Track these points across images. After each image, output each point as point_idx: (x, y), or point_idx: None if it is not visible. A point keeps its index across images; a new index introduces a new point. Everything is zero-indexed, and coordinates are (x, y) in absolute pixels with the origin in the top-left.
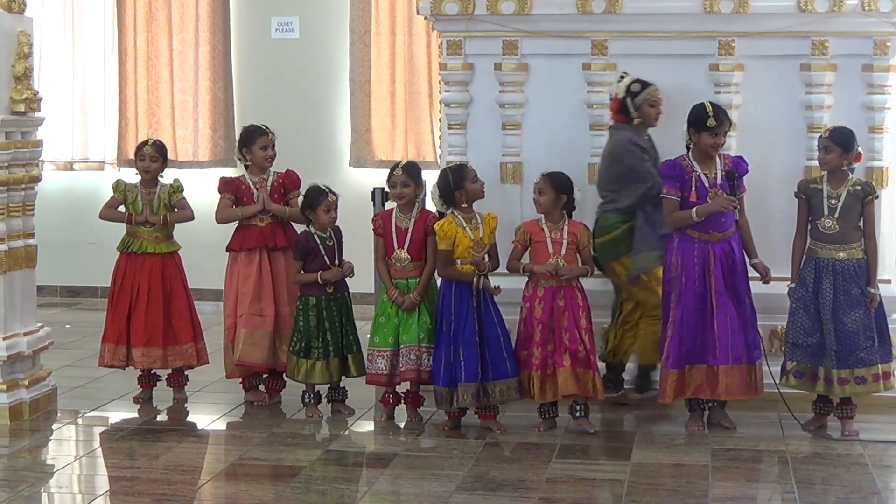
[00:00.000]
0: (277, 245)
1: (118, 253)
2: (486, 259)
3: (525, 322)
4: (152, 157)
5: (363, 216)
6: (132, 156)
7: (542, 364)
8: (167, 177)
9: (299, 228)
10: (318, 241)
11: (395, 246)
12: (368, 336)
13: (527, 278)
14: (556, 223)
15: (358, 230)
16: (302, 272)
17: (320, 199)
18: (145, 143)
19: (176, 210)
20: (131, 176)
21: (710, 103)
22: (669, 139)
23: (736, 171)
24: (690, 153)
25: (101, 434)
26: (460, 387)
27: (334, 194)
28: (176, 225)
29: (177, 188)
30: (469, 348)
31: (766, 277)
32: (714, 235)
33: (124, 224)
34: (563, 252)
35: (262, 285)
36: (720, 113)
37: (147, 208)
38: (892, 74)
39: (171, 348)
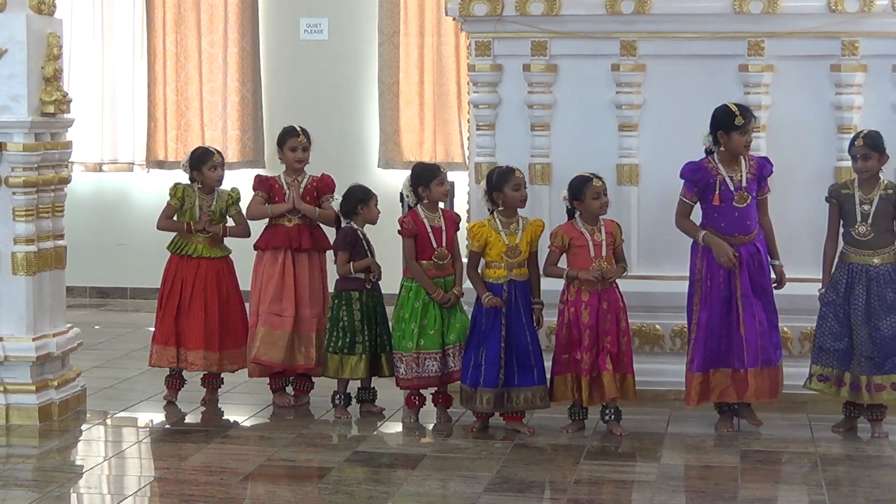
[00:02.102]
0: (303, 246)
1: (168, 253)
2: (526, 265)
3: (568, 326)
4: (222, 163)
5: (391, 217)
6: (161, 157)
7: (591, 369)
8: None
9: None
10: (362, 236)
11: (434, 245)
12: (396, 338)
13: (564, 282)
14: (594, 225)
15: (386, 231)
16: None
17: (371, 195)
18: (211, 151)
19: (233, 222)
20: (167, 178)
21: (737, 104)
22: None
23: (761, 173)
24: (716, 155)
25: (130, 435)
26: (479, 390)
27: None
28: None
29: (236, 199)
30: (492, 353)
31: (781, 283)
32: (739, 238)
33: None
34: (604, 254)
35: (284, 285)
36: (746, 111)
37: (206, 217)
38: None
39: (227, 352)
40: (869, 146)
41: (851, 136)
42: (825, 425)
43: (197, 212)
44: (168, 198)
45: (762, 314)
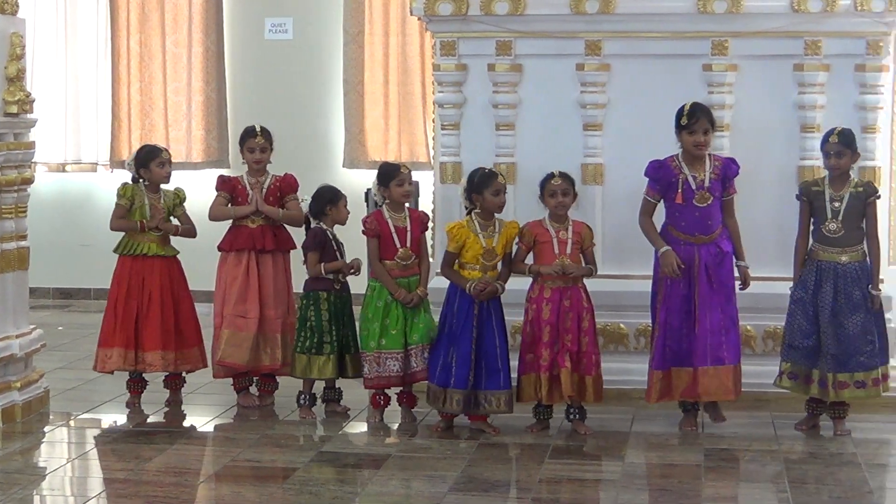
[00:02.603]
0: (266, 247)
1: (116, 255)
2: (499, 266)
3: (532, 324)
4: (170, 161)
5: (357, 217)
6: (125, 157)
7: (550, 366)
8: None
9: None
10: (331, 237)
11: (398, 245)
12: (363, 338)
13: (531, 280)
14: (561, 223)
15: (353, 231)
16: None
17: (340, 196)
18: (159, 149)
19: (181, 221)
20: (127, 177)
21: (692, 103)
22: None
23: (726, 174)
24: (680, 154)
25: (93, 436)
26: (449, 391)
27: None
28: None
29: (182, 199)
30: (463, 354)
31: (745, 283)
32: (700, 238)
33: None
34: (568, 252)
35: (249, 286)
36: (696, 111)
37: (160, 215)
38: (885, 74)
39: (181, 352)
40: (843, 143)
41: (814, 135)
42: (788, 423)
43: (147, 210)
44: (117, 199)
45: (717, 314)
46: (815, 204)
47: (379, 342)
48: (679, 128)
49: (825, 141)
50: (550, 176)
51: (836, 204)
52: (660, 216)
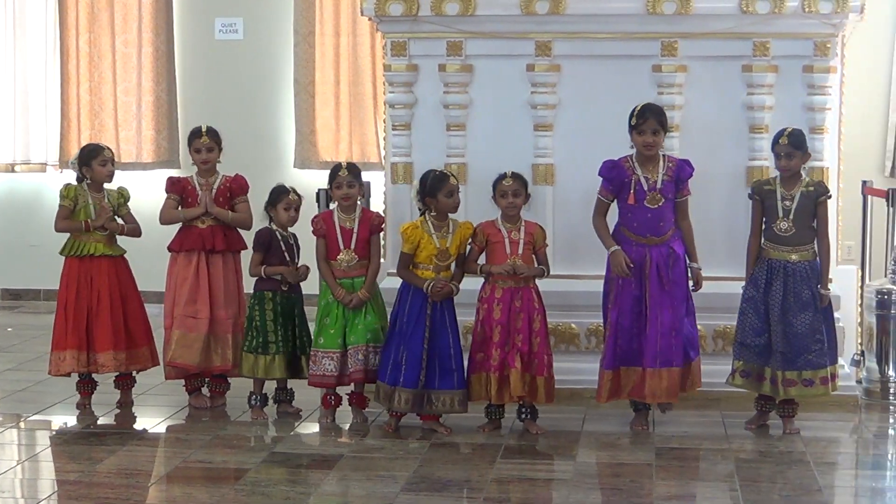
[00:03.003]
0: (216, 248)
1: (62, 257)
2: (453, 267)
3: (483, 323)
4: (112, 160)
5: (308, 217)
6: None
7: (500, 366)
8: (121, 181)
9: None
10: (280, 238)
11: (341, 246)
12: (313, 337)
13: (483, 280)
14: (513, 224)
15: (303, 231)
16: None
17: (281, 197)
18: (101, 147)
19: (125, 220)
20: (72, 178)
21: (644, 104)
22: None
23: (679, 176)
24: (634, 155)
25: (44, 438)
26: (398, 390)
27: (298, 196)
28: None
29: (126, 198)
30: (413, 355)
31: (697, 286)
32: (651, 239)
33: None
34: (520, 252)
35: (199, 287)
36: (646, 111)
37: (105, 214)
38: (833, 75)
39: (130, 352)
40: (793, 145)
41: (763, 135)
42: (739, 422)
43: (92, 210)
44: (60, 200)
45: (667, 316)
46: (766, 203)
47: (317, 341)
48: (630, 128)
49: (776, 142)
50: (502, 176)
51: (788, 203)
52: (614, 216)
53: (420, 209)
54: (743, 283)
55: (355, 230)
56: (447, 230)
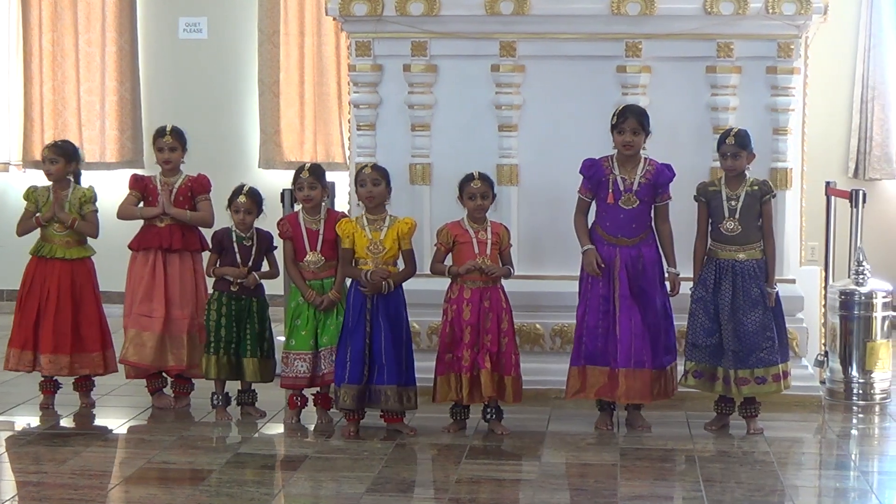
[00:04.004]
0: (174, 247)
1: (30, 256)
2: (391, 264)
3: (452, 324)
4: (50, 159)
5: (272, 218)
6: (38, 157)
7: (471, 367)
8: (84, 181)
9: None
10: (234, 239)
11: (308, 248)
12: (284, 339)
13: (449, 280)
14: (480, 224)
15: (268, 231)
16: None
17: (233, 199)
18: (47, 146)
19: (84, 219)
20: (44, 180)
21: (627, 104)
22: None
23: (658, 180)
24: (615, 155)
25: (6, 439)
26: (343, 387)
27: (251, 199)
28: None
29: (89, 198)
30: (355, 351)
31: (674, 290)
32: (622, 240)
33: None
34: (487, 252)
35: (154, 286)
36: (626, 111)
37: (56, 206)
38: (796, 77)
39: (79, 356)
40: (738, 144)
41: None
42: (703, 423)
43: (50, 207)
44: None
45: (638, 317)
46: (712, 203)
47: (288, 342)
48: (611, 127)
49: (722, 142)
50: (470, 178)
51: (733, 203)
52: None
53: (360, 208)
54: (690, 285)
55: (321, 231)
56: (381, 224)
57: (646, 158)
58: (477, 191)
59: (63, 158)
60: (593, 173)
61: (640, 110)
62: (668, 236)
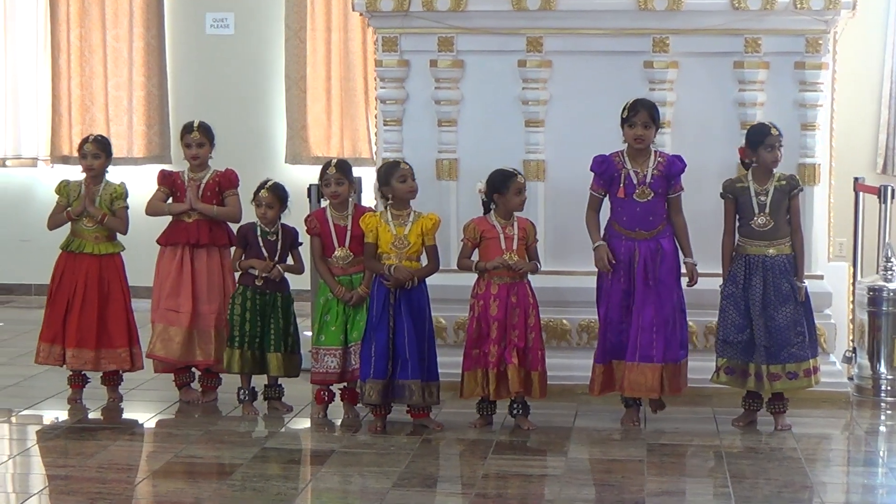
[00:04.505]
0: (201, 242)
1: (59, 251)
2: (419, 259)
3: (479, 320)
4: (94, 153)
5: (299, 213)
6: (66, 152)
7: (498, 362)
8: (111, 176)
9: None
10: (259, 234)
11: (336, 244)
12: (312, 335)
13: (475, 276)
14: (507, 220)
15: (294, 226)
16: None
17: (256, 193)
18: (87, 139)
19: (115, 215)
20: (73, 173)
21: (638, 98)
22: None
23: (670, 171)
24: (625, 150)
25: (35, 432)
26: (368, 382)
27: (274, 193)
28: None
29: (120, 194)
30: (380, 345)
31: (692, 281)
32: (640, 234)
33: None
34: (514, 248)
35: (182, 281)
36: (637, 104)
37: (87, 200)
38: (824, 72)
39: (105, 351)
40: (781, 135)
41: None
42: (730, 419)
43: (81, 203)
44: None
45: (650, 311)
46: (740, 200)
47: (318, 338)
48: (621, 121)
49: (764, 134)
50: (513, 174)
51: (762, 198)
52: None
53: (383, 204)
54: (720, 281)
55: (349, 227)
56: (406, 219)
57: (656, 151)
58: (522, 185)
59: (104, 154)
60: (604, 169)
61: (651, 104)
62: (683, 228)
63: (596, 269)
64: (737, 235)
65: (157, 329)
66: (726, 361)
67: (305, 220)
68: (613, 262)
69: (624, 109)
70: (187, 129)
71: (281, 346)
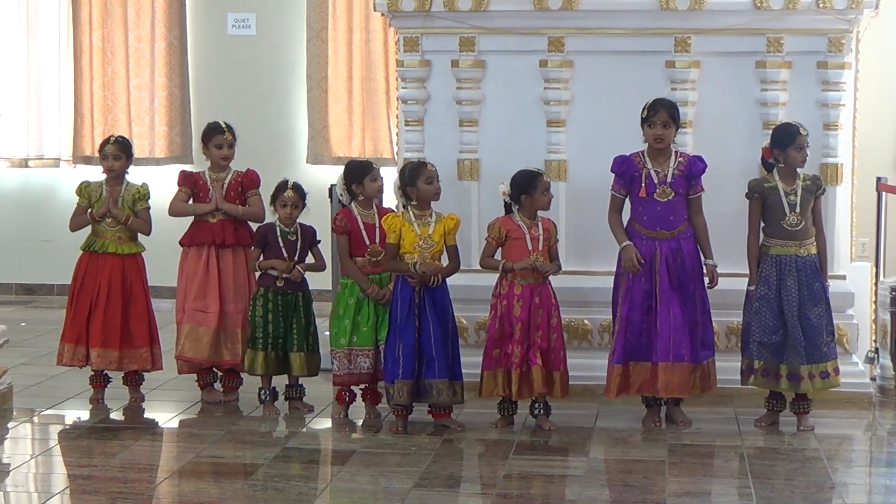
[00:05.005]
0: (226, 242)
1: (81, 251)
2: (444, 261)
3: (502, 320)
4: (114, 154)
5: (320, 213)
6: (88, 153)
7: (521, 363)
8: (134, 177)
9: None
10: (279, 234)
11: (367, 242)
12: (332, 335)
13: (496, 275)
14: (532, 220)
15: (315, 226)
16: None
17: (277, 194)
18: (107, 140)
19: (137, 216)
20: (95, 174)
21: (658, 98)
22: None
23: (691, 171)
24: (645, 150)
25: (57, 433)
26: (396, 383)
27: (297, 193)
28: None
29: (143, 195)
30: (407, 346)
31: (712, 282)
32: (661, 233)
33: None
34: (540, 248)
35: (208, 282)
36: (657, 104)
37: (110, 202)
38: (847, 72)
39: (127, 351)
40: (807, 135)
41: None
42: (752, 419)
43: (104, 203)
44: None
45: (677, 310)
46: (769, 199)
47: (350, 339)
48: (641, 121)
49: (794, 134)
50: (538, 173)
51: (792, 198)
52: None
53: (403, 204)
54: (746, 281)
55: (377, 225)
56: (429, 219)
57: (676, 151)
58: (548, 185)
59: (125, 155)
60: (625, 170)
61: (671, 103)
62: (703, 228)
63: (615, 269)
64: (761, 236)
65: (185, 330)
66: (763, 364)
67: (334, 219)
68: (642, 261)
69: (644, 109)
70: (216, 130)
71: (304, 345)
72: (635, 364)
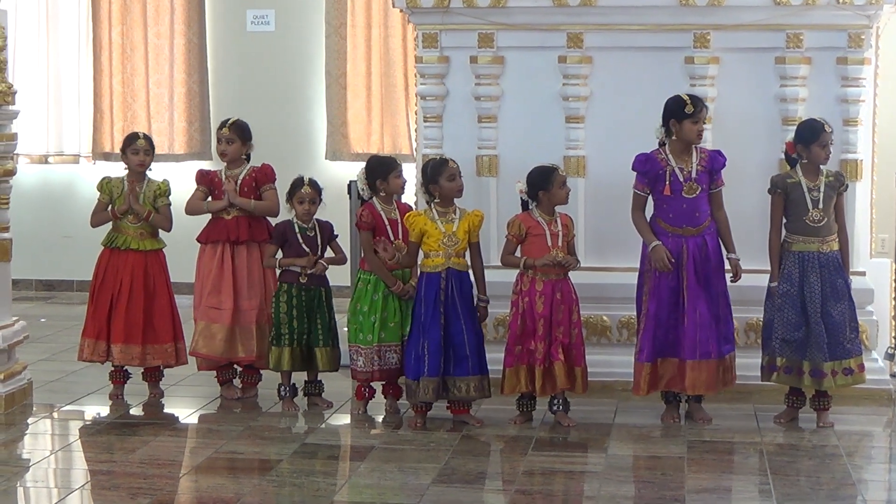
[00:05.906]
0: (241, 238)
1: (101, 247)
2: (464, 255)
3: (524, 316)
4: (146, 149)
5: (338, 209)
6: (107, 149)
7: (544, 359)
8: (153, 173)
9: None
10: (297, 230)
11: (392, 237)
12: (352, 330)
13: (516, 272)
14: (551, 216)
15: (334, 222)
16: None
17: (294, 191)
18: (136, 136)
19: (158, 212)
20: (115, 170)
21: (691, 94)
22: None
23: (713, 166)
24: (668, 147)
25: (78, 428)
26: (422, 380)
27: (314, 188)
28: None
29: (164, 191)
30: (433, 343)
31: (736, 277)
32: (687, 230)
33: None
34: (559, 244)
35: (223, 278)
36: (697, 100)
37: (132, 197)
38: (867, 67)
39: (150, 346)
40: (831, 133)
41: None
42: (771, 416)
43: (125, 199)
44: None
45: (704, 306)
46: (792, 195)
47: (378, 335)
48: (681, 116)
49: (819, 131)
50: (553, 168)
51: (815, 194)
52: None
53: (426, 200)
54: (768, 277)
55: (399, 221)
56: (453, 216)
57: (695, 147)
58: (565, 179)
59: (153, 150)
60: (649, 168)
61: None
62: (725, 223)
63: (637, 267)
64: (783, 232)
65: (200, 327)
66: (787, 361)
67: (359, 214)
68: (673, 260)
69: (685, 105)
70: (219, 126)
71: (328, 340)
72: (663, 361)
